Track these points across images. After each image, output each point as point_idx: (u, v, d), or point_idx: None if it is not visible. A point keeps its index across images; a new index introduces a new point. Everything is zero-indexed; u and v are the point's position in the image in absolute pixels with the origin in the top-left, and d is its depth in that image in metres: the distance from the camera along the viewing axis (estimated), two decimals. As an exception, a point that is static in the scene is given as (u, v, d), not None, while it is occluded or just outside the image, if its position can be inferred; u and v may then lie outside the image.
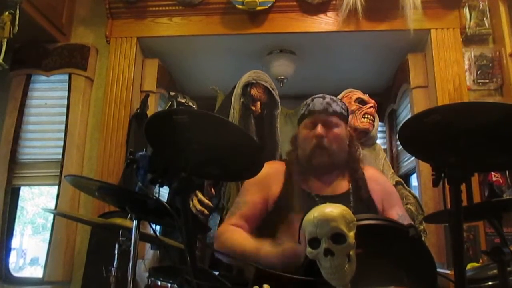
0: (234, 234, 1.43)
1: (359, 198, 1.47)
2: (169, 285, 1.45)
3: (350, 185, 1.50)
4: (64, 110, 2.69)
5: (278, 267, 1.19)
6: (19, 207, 2.86)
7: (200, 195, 1.97)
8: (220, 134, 1.06)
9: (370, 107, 2.10)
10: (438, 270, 1.11)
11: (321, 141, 1.45)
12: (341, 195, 1.47)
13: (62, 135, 2.64)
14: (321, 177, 1.50)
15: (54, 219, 2.57)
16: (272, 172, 1.53)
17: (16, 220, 2.76)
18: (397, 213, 1.48)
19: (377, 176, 1.60)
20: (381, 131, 3.25)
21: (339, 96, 2.06)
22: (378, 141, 2.28)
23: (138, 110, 2.64)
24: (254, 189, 1.51)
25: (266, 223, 1.49)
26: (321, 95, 1.54)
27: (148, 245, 2.47)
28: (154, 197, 1.30)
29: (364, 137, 2.07)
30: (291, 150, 1.59)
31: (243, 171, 1.22)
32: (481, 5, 2.63)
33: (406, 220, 1.45)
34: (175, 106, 2.58)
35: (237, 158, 1.12)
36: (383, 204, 1.50)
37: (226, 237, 1.44)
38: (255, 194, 1.50)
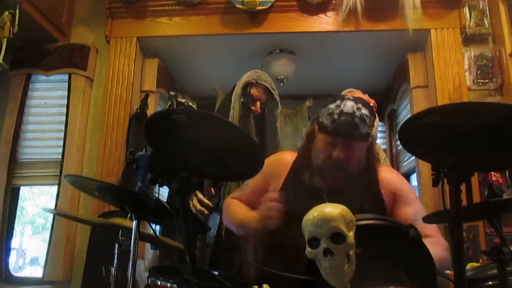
0: (232, 205, 1.61)
1: (368, 197, 1.45)
2: (169, 285, 1.45)
3: (360, 184, 1.48)
4: (64, 110, 2.69)
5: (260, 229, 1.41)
6: (19, 207, 2.86)
7: (200, 195, 1.98)
8: (219, 134, 1.05)
9: (370, 107, 2.10)
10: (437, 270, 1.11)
11: (339, 165, 1.41)
12: (348, 193, 1.44)
13: (62, 135, 2.64)
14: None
15: (54, 219, 2.57)
16: (281, 162, 1.55)
17: (16, 220, 2.76)
18: (414, 210, 1.44)
19: (391, 176, 1.56)
20: (381, 131, 3.25)
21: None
22: (378, 141, 2.28)
23: (138, 110, 2.64)
24: (258, 174, 1.48)
25: None
26: (350, 109, 1.37)
27: (148, 245, 2.47)
28: (154, 197, 1.30)
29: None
30: (304, 145, 1.54)
31: (243, 171, 1.22)
32: (481, 5, 2.62)
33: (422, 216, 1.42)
34: (175, 106, 2.58)
35: (236, 158, 1.12)
36: (396, 204, 1.48)
37: (226, 208, 1.63)
38: (257, 179, 1.50)
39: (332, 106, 1.40)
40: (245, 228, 1.52)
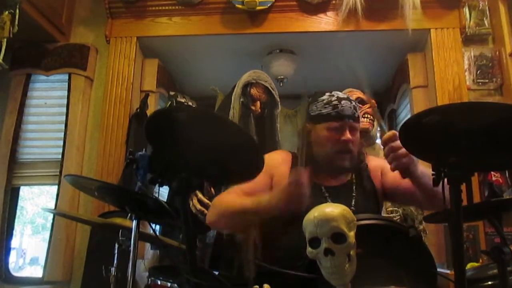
0: (229, 195, 1.44)
1: (361, 187, 1.49)
2: (169, 284, 1.46)
3: (352, 175, 1.52)
4: (64, 110, 2.69)
5: (282, 209, 1.22)
6: (19, 207, 2.86)
7: (200, 195, 1.98)
8: (219, 133, 1.05)
9: (369, 107, 2.10)
10: (438, 270, 1.11)
11: (348, 146, 1.45)
12: (344, 185, 1.49)
13: (62, 135, 2.64)
14: (332, 173, 1.51)
15: (53, 219, 2.57)
16: (281, 158, 1.55)
17: (16, 220, 2.76)
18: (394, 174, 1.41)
19: (379, 162, 1.58)
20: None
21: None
22: (378, 141, 2.28)
23: (138, 110, 2.64)
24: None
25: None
26: (345, 95, 1.52)
27: (148, 245, 2.47)
28: (154, 197, 1.30)
29: (364, 137, 2.07)
30: (301, 146, 1.53)
31: (243, 171, 1.21)
32: (481, 5, 2.62)
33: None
34: (174, 106, 2.58)
35: (237, 158, 1.12)
36: (383, 178, 1.51)
37: (222, 201, 1.43)
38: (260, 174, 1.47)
39: (324, 97, 1.49)
40: (258, 212, 1.29)
